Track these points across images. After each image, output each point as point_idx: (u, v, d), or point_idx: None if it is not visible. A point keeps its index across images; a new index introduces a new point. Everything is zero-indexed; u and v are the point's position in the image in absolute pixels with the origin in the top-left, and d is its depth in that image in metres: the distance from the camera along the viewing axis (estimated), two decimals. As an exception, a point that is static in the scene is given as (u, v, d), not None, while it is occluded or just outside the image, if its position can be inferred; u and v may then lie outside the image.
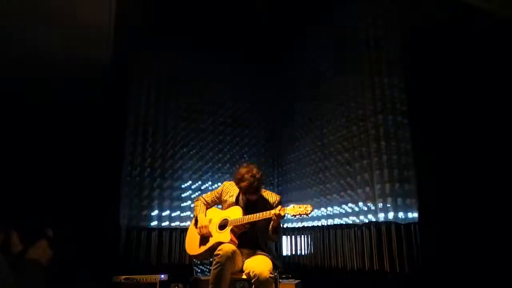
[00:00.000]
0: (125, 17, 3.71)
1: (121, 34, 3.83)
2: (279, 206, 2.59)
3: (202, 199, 3.02)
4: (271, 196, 2.89)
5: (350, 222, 3.87)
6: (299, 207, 2.52)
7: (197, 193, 4.73)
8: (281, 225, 2.75)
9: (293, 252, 4.76)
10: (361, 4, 4.00)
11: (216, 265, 2.46)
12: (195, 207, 2.99)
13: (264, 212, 2.60)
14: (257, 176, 2.70)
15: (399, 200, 3.41)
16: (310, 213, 2.51)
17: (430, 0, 3.55)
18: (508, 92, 3.23)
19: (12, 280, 2.47)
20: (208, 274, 4.01)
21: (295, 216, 2.53)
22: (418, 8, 3.63)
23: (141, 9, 3.91)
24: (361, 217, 3.72)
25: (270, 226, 2.69)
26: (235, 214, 2.73)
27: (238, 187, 2.78)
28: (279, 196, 2.92)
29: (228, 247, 2.53)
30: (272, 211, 2.57)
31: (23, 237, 2.95)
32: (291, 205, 2.56)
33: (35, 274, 2.87)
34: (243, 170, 2.73)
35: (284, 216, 2.57)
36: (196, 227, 2.86)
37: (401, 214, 3.37)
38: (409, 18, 3.68)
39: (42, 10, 3.35)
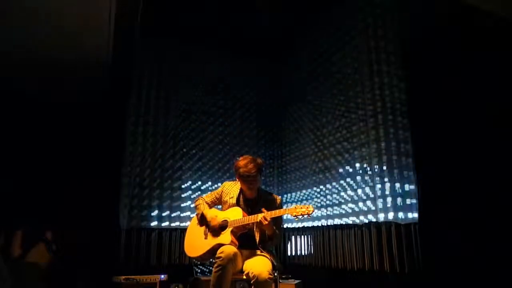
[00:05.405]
0: (125, 17, 3.70)
1: (121, 34, 3.83)
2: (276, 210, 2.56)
3: (202, 199, 2.99)
4: (271, 196, 2.87)
5: (350, 222, 3.87)
6: (301, 208, 2.51)
7: (197, 193, 4.73)
8: (282, 226, 2.72)
9: (293, 252, 4.76)
10: (361, 4, 4.00)
11: (218, 268, 2.44)
12: (198, 205, 2.94)
13: (264, 213, 2.57)
14: (258, 160, 2.74)
15: (399, 200, 3.41)
16: (311, 214, 2.50)
17: (430, 1, 3.54)
18: (508, 93, 3.22)
19: (11, 280, 2.47)
20: (208, 274, 4.03)
21: (296, 216, 2.51)
22: (418, 9, 3.63)
23: (140, 9, 3.90)
24: (361, 217, 3.71)
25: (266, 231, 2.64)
26: (235, 215, 2.71)
27: (237, 176, 2.76)
28: (279, 197, 2.91)
29: (230, 250, 2.50)
30: (269, 213, 2.54)
31: (23, 238, 2.96)
32: (293, 205, 2.53)
33: (35, 275, 2.87)
34: (240, 158, 2.79)
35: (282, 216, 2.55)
36: (201, 225, 2.86)
37: (401, 214, 3.36)
38: (410, 19, 3.68)
39: (42, 10, 3.35)
